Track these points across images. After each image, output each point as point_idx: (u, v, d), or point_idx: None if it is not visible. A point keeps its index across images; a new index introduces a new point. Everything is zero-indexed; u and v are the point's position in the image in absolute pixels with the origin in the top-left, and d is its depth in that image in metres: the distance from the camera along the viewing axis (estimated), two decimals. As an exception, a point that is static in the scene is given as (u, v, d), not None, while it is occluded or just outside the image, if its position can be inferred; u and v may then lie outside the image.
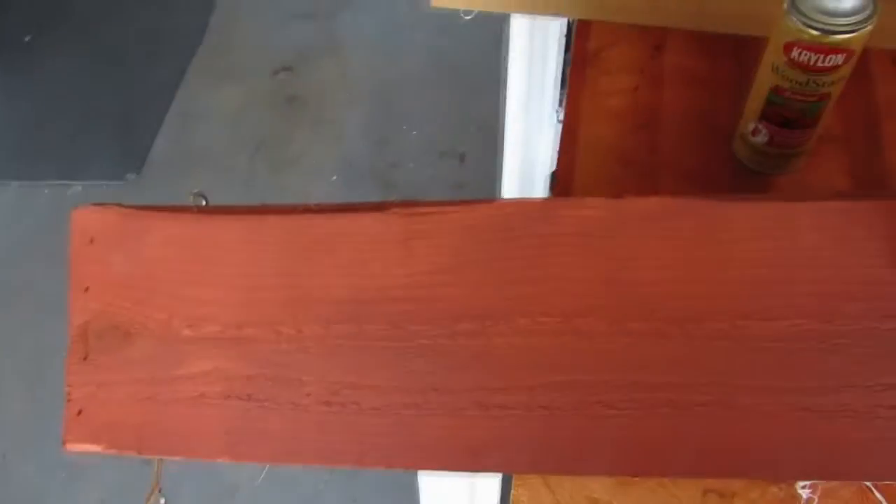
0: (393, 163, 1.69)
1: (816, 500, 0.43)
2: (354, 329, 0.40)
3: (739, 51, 0.67)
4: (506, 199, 0.40)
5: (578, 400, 0.37)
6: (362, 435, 0.38)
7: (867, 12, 0.47)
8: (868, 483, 0.42)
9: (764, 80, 0.54)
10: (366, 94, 1.82)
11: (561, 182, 0.62)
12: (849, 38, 0.47)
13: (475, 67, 1.68)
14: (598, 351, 0.38)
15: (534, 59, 0.99)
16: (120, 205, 0.46)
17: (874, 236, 0.40)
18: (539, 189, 1.15)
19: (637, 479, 0.42)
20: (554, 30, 0.88)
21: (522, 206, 0.39)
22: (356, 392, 0.38)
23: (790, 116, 0.54)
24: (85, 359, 0.44)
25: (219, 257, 0.42)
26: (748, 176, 0.60)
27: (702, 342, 0.38)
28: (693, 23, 0.69)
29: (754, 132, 0.57)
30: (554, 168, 0.73)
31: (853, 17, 0.47)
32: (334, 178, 1.68)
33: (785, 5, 0.49)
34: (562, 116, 0.67)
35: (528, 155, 1.12)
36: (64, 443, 0.44)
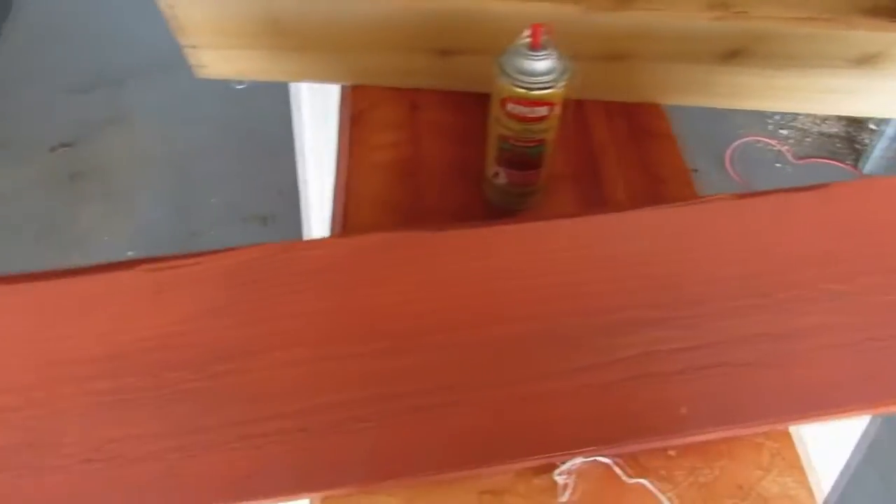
0: (194, 231, 1.66)
1: (571, 484, 0.50)
2: (112, 384, 0.40)
3: (483, 106, 0.77)
4: (250, 246, 0.44)
5: (333, 419, 0.41)
6: (130, 486, 0.38)
7: (557, 73, 0.58)
8: (609, 460, 0.50)
9: (493, 131, 0.63)
10: (157, 165, 1.77)
11: (334, 232, 0.67)
12: (547, 94, 0.58)
13: (268, 133, 1.70)
14: (347, 372, 0.42)
15: (318, 121, 1.04)
16: None
17: (576, 245, 0.50)
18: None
19: (423, 491, 0.46)
20: (333, 93, 0.94)
21: (265, 249, 0.43)
22: (119, 445, 0.39)
23: (518, 160, 0.63)
24: None
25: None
26: (498, 213, 0.69)
27: (433, 352, 0.44)
28: (441, 83, 0.78)
29: (495, 175, 0.66)
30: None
31: (547, 77, 0.57)
32: (130, 252, 1.61)
33: (496, 69, 0.58)
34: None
35: (329, 213, 1.16)
36: None
